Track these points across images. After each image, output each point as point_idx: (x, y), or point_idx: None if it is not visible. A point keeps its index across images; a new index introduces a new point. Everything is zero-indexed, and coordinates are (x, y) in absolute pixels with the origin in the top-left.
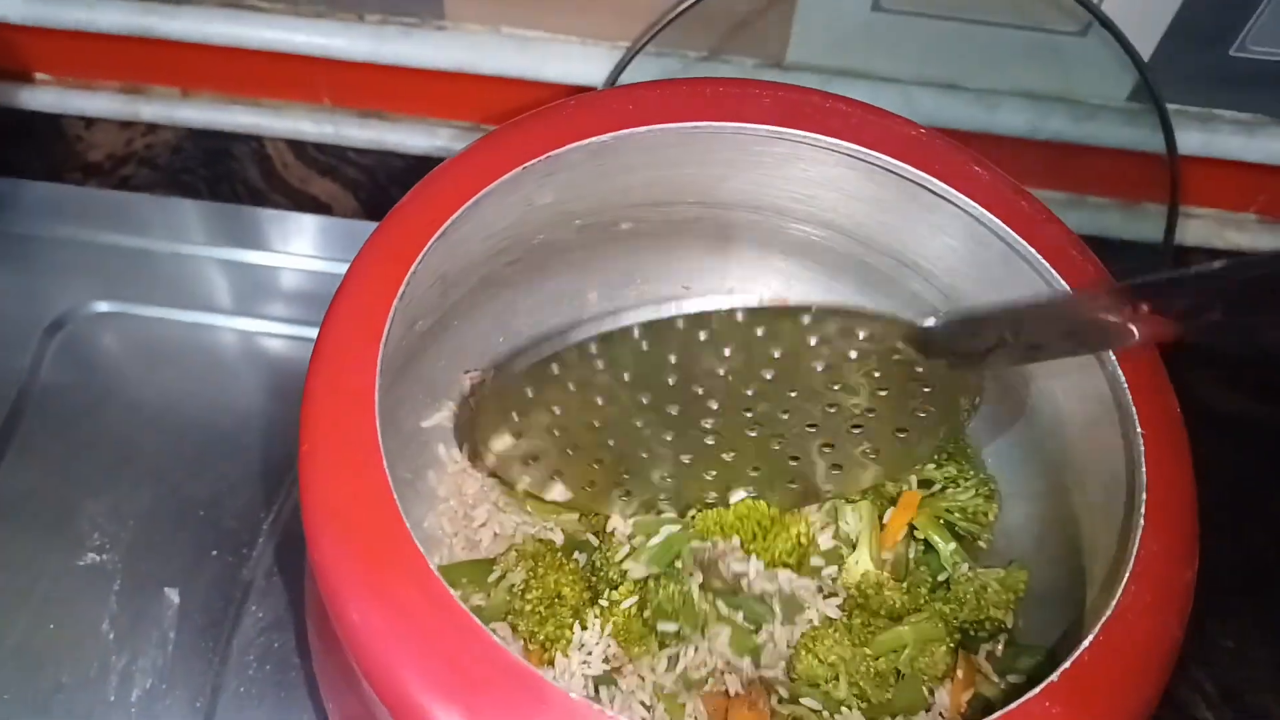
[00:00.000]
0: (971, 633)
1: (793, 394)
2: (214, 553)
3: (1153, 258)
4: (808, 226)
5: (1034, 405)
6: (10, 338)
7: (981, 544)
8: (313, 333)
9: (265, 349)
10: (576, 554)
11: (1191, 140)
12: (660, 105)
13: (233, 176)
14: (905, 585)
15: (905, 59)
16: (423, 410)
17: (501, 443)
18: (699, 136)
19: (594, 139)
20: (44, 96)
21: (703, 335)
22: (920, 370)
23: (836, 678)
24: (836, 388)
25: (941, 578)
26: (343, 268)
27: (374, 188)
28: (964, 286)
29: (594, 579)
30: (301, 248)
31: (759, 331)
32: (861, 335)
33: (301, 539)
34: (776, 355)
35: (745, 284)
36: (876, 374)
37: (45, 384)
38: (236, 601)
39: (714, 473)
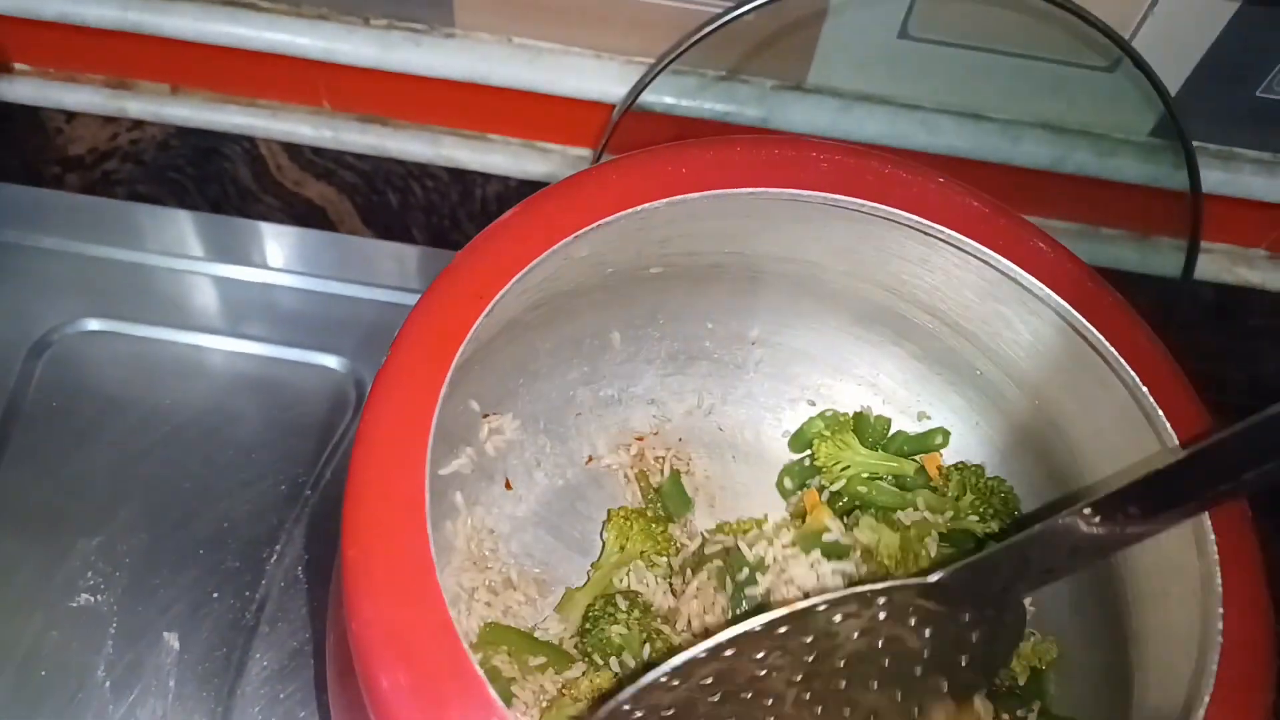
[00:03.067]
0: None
1: (842, 664)
2: (215, 595)
3: (1170, 292)
4: (846, 278)
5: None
6: None
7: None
8: (312, 356)
9: (264, 373)
10: None
11: (1213, 178)
12: (715, 169)
13: (223, 176)
14: None
15: (929, 86)
16: (440, 457)
17: None
18: (753, 201)
19: (647, 205)
20: (22, 88)
21: (729, 652)
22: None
23: None
24: (881, 644)
25: None
26: (344, 287)
27: (370, 191)
28: (1010, 353)
29: None
30: (302, 264)
31: (782, 630)
32: (881, 603)
33: (305, 582)
34: (808, 642)
35: (772, 330)
36: (913, 622)
37: (31, 410)
38: (240, 648)
39: None
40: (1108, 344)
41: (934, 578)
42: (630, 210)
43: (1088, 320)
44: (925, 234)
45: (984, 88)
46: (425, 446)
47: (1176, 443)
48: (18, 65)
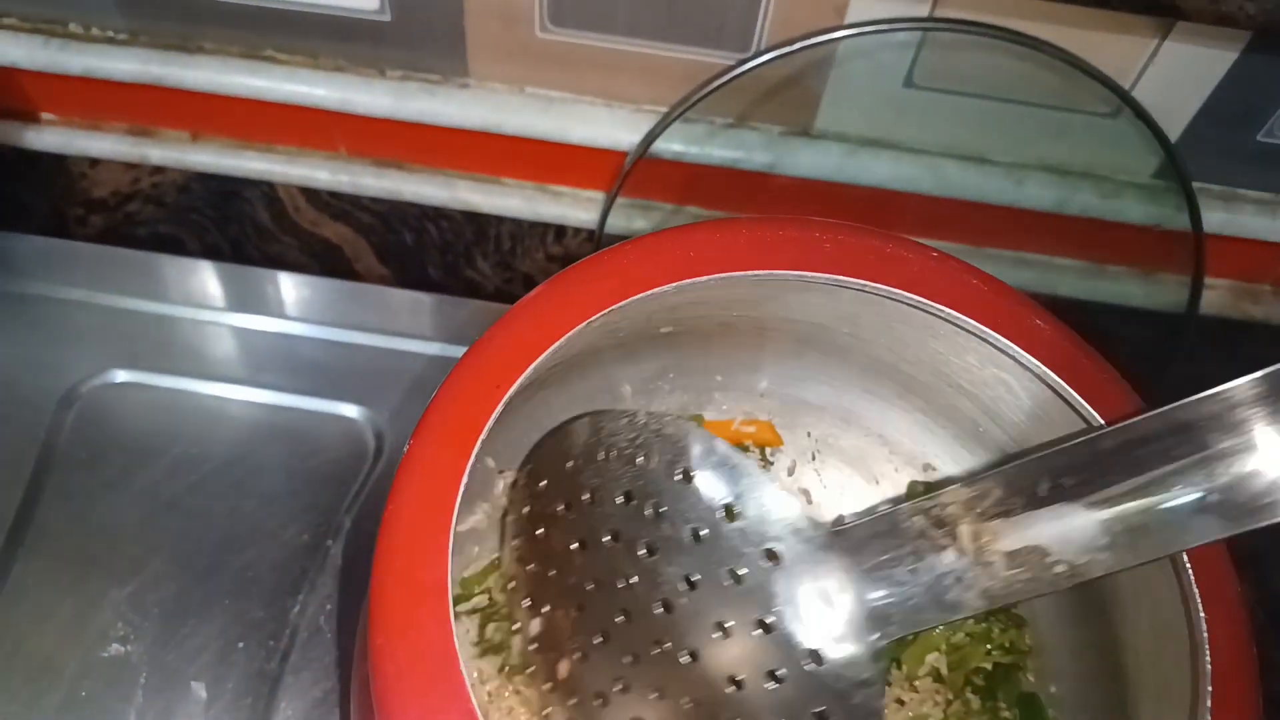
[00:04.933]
0: None
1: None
2: (240, 645)
3: (1175, 326)
4: (850, 339)
5: None
6: (24, 410)
7: (1030, 675)
8: (331, 405)
9: (285, 422)
10: None
11: (1215, 218)
12: (722, 252)
13: (242, 217)
14: None
15: (934, 131)
16: (459, 515)
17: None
18: (758, 281)
19: (656, 290)
20: (49, 137)
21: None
22: None
23: None
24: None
25: None
26: (362, 336)
27: (386, 231)
28: (1012, 416)
29: None
30: (320, 313)
31: None
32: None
33: (328, 632)
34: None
35: (779, 382)
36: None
37: (62, 461)
38: (265, 697)
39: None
40: (1099, 419)
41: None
42: (640, 295)
43: (1081, 396)
44: (926, 312)
45: (988, 133)
46: (448, 537)
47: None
48: (44, 115)
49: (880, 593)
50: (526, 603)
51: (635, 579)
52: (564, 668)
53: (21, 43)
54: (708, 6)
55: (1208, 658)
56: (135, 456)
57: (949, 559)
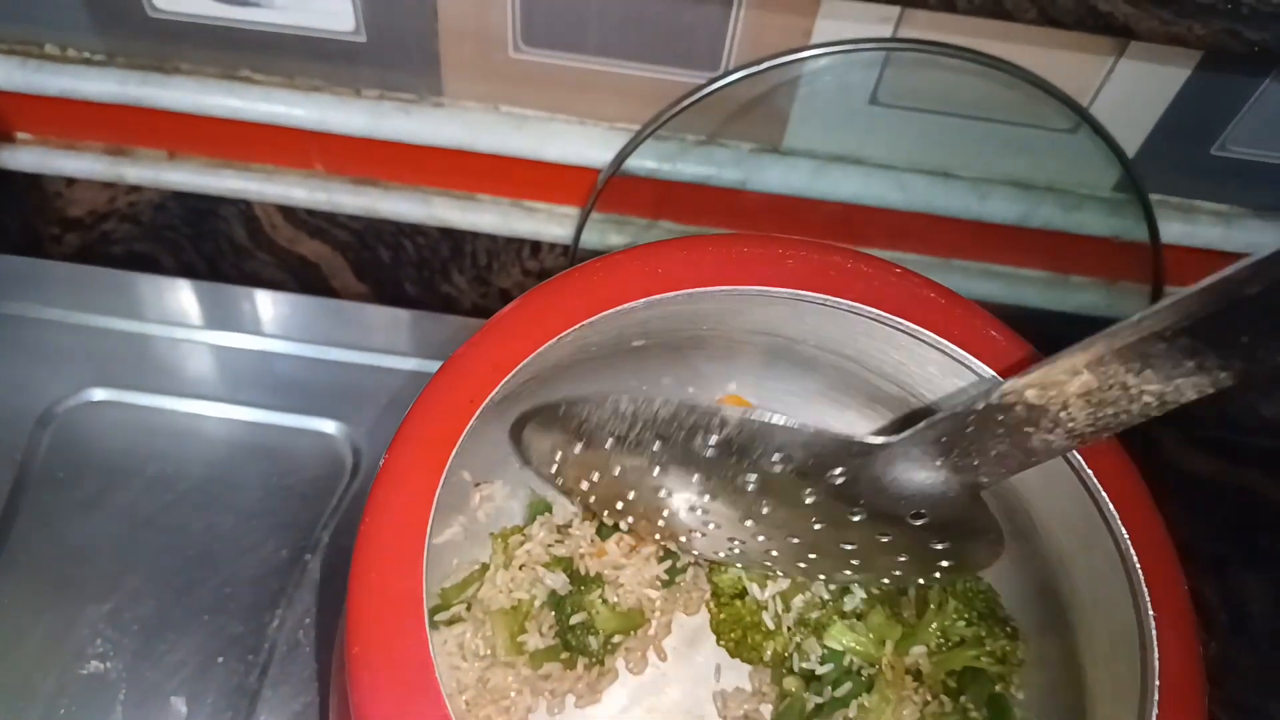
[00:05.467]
0: None
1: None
2: (220, 659)
3: None
4: (816, 350)
5: (1032, 531)
6: (0, 430)
7: (1015, 690)
8: (309, 421)
9: (262, 439)
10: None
11: (1173, 229)
12: (688, 268)
13: (218, 235)
14: None
15: (900, 147)
16: (435, 527)
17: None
18: (723, 296)
19: (626, 306)
20: (25, 157)
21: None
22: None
23: None
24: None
25: None
26: (339, 352)
27: (363, 248)
28: None
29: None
30: (297, 330)
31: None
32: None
33: (307, 646)
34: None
35: (750, 394)
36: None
37: (38, 480)
38: (244, 711)
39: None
40: None
41: (880, 440)
42: (609, 311)
43: None
44: (886, 325)
45: (953, 149)
46: (422, 548)
47: (1125, 535)
48: (20, 135)
49: (962, 464)
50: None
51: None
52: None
53: None
54: (677, 27)
55: (1156, 656)
56: (112, 475)
57: (1020, 412)
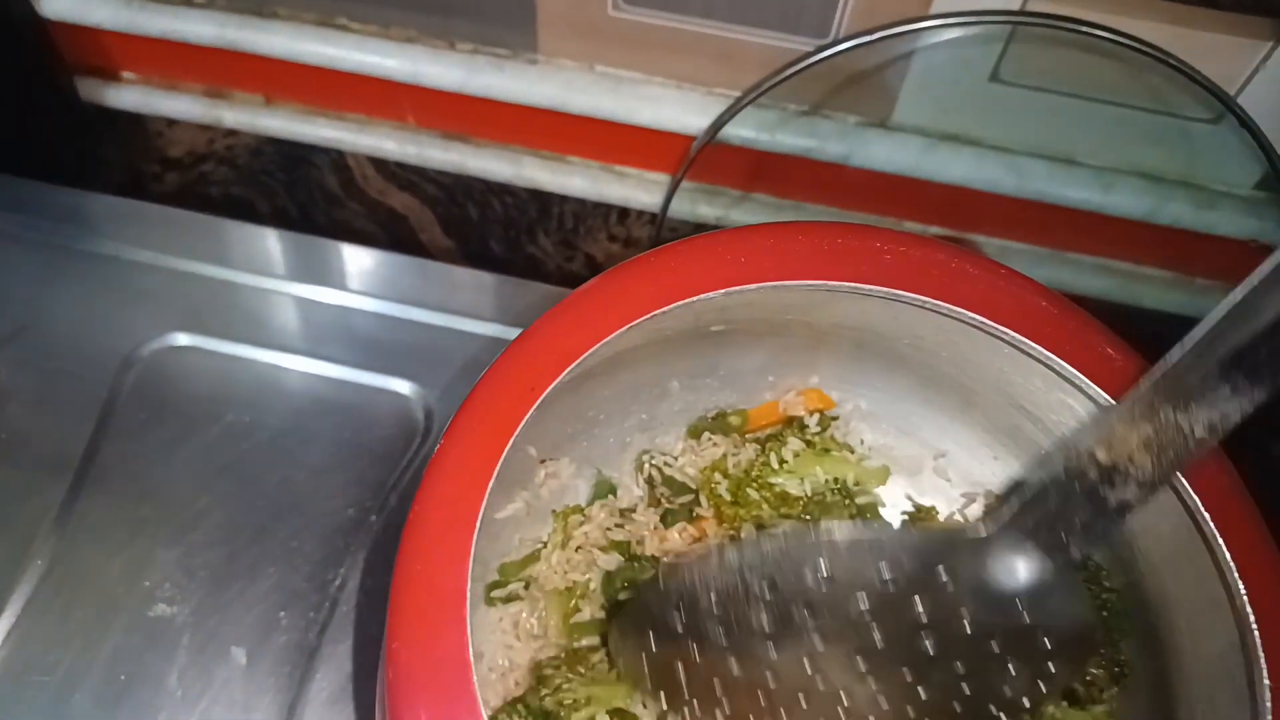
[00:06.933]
0: None
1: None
2: (281, 614)
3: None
4: (911, 349)
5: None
6: (88, 367)
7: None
8: (385, 380)
9: (338, 395)
10: None
11: None
12: (774, 258)
13: (310, 183)
14: None
15: (1019, 129)
16: (498, 501)
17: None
18: (811, 289)
19: (703, 295)
20: (129, 96)
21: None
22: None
23: None
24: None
25: None
26: (420, 313)
27: (451, 204)
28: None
29: None
30: (380, 287)
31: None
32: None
33: (366, 608)
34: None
35: (833, 386)
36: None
37: (121, 421)
38: (302, 667)
39: None
40: None
41: (981, 532)
42: (685, 301)
43: None
44: (990, 333)
45: (1077, 134)
46: (469, 545)
47: (1223, 545)
48: (125, 74)
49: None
50: None
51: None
52: None
53: (105, 3)
54: None
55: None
56: (192, 420)
57: (1092, 475)
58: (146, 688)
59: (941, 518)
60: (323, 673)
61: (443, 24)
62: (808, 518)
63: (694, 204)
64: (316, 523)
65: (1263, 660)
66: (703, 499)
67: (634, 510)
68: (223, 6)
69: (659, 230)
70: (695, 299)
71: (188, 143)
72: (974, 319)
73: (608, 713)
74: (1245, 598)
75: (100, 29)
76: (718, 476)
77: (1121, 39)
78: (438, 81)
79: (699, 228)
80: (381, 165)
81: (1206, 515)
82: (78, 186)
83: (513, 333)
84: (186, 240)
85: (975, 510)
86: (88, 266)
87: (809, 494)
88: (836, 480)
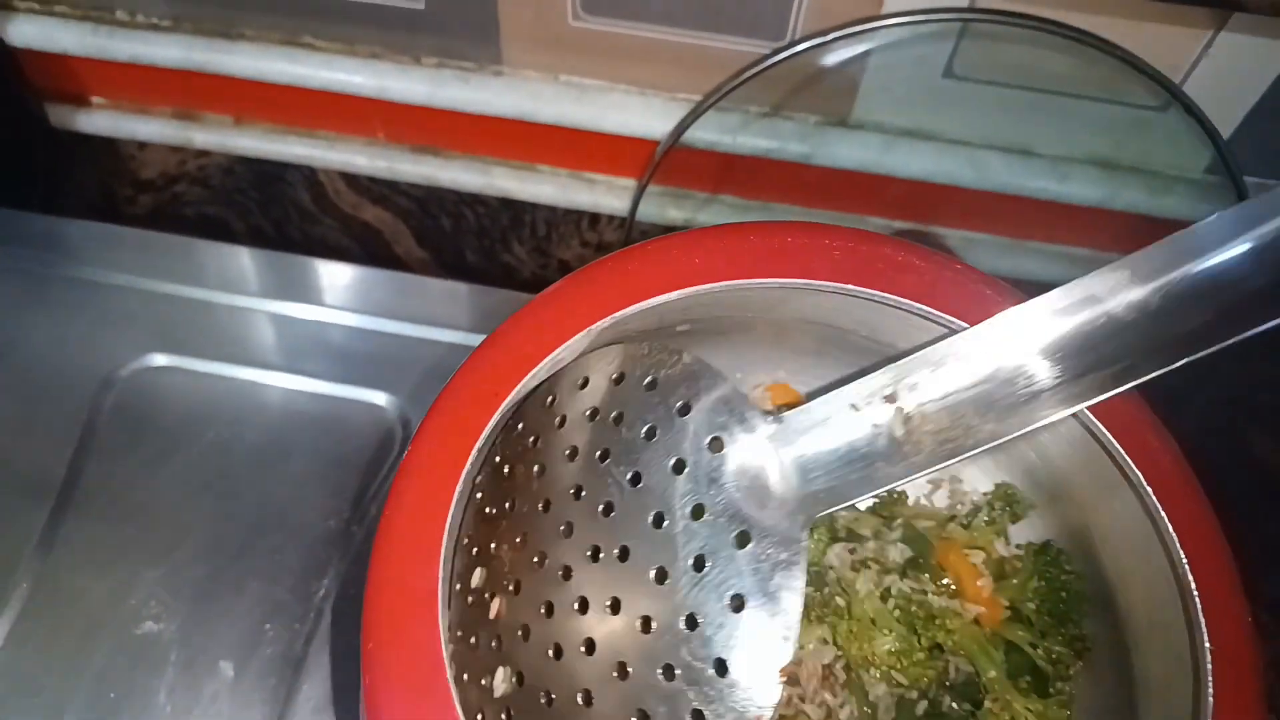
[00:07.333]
0: None
1: None
2: (267, 627)
3: None
4: (868, 341)
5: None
6: (67, 391)
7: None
8: (362, 393)
9: (317, 409)
10: None
11: None
12: (728, 259)
13: (284, 199)
14: None
15: (975, 123)
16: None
17: None
18: (767, 290)
19: (660, 298)
20: (99, 120)
21: None
22: None
23: None
24: None
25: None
26: (395, 325)
27: (424, 216)
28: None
29: None
30: (355, 301)
31: None
32: None
33: (349, 617)
34: None
35: (800, 381)
36: None
37: (102, 442)
38: (288, 678)
39: None
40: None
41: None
42: (647, 303)
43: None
44: (940, 325)
45: (1031, 126)
46: (440, 546)
47: (1185, 562)
48: (94, 99)
49: (813, 477)
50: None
51: (585, 489)
52: (496, 606)
53: (71, 29)
54: None
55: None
56: (172, 439)
57: (881, 444)
58: (136, 705)
59: (910, 502)
60: (309, 683)
61: (407, 39)
62: None
63: (662, 207)
64: (299, 535)
65: (1204, 624)
66: None
67: None
68: (189, 29)
69: (628, 234)
70: (656, 301)
71: (160, 164)
72: (923, 310)
73: None
74: (1187, 566)
75: (68, 55)
76: None
77: (1069, 32)
78: (405, 96)
79: (668, 230)
80: (353, 180)
81: (1149, 489)
82: (51, 212)
83: None
84: (162, 261)
85: (941, 496)
86: (64, 291)
87: None
88: None
